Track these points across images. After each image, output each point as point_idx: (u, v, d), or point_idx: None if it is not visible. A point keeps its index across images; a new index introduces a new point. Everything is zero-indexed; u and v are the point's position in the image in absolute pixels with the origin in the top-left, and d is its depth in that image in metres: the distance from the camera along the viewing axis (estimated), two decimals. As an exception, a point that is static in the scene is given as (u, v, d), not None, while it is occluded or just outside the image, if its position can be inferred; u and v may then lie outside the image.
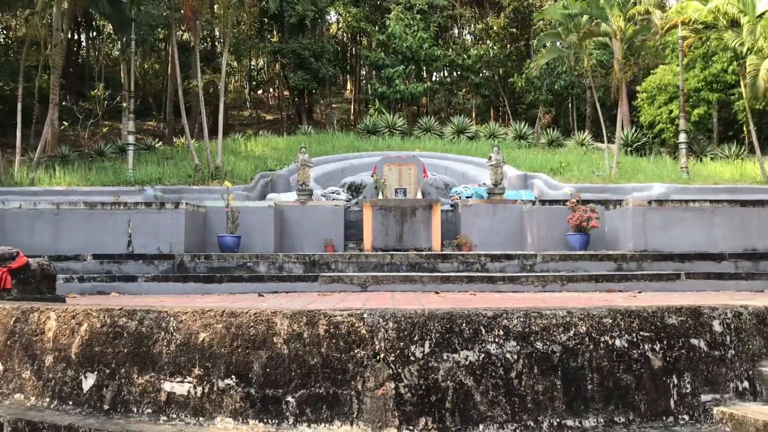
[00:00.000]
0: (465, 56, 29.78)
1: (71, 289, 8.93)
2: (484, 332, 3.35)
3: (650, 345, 3.44)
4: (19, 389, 3.88)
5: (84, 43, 36.72)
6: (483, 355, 3.32)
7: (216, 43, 33.19)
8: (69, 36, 23.94)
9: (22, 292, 5.20)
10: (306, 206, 13.24)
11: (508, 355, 3.32)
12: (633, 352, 3.41)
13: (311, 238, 12.93)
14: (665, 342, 3.45)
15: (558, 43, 19.17)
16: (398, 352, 3.32)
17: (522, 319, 3.39)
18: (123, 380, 3.57)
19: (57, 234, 11.03)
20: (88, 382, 3.65)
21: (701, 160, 19.35)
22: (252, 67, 43.45)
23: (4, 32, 30.95)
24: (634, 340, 3.44)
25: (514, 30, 32.87)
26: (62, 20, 22.53)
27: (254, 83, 44.55)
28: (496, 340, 3.34)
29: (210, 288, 9.43)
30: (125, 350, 3.63)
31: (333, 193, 15.15)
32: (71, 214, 11.14)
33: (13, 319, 4.07)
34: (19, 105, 17.32)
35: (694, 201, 11.53)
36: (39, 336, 3.92)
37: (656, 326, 3.47)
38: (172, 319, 3.62)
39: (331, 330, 3.41)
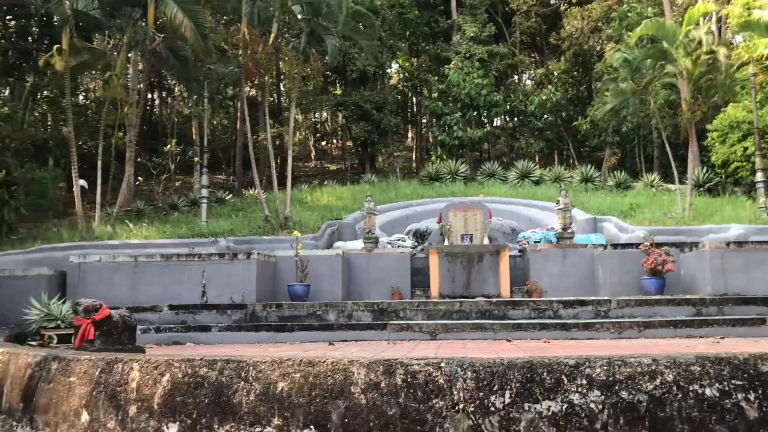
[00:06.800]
0: (527, 102, 29.74)
1: (148, 340, 9.17)
2: (566, 381, 3.26)
3: (744, 394, 3.26)
4: (105, 439, 3.97)
5: (156, 101, 38.51)
6: (566, 405, 3.22)
7: (281, 98, 34.21)
8: (143, 95, 25.13)
9: (104, 343, 5.36)
10: (372, 254, 13.31)
11: (592, 405, 3.21)
12: (725, 401, 3.25)
13: (378, 285, 12.95)
14: (760, 391, 3.28)
15: (623, 85, 18.90)
16: (478, 402, 3.25)
17: (605, 368, 3.28)
18: (204, 430, 3.61)
19: (134, 286, 11.41)
20: None
21: (780, 199, 18.56)
22: (316, 119, 44.51)
23: (84, 94, 32.82)
24: (726, 389, 3.27)
25: (575, 74, 32.74)
26: (137, 81, 23.76)
27: (318, 135, 45.57)
28: (579, 389, 3.24)
29: (281, 337, 9.53)
30: (206, 400, 3.68)
31: (399, 240, 15.19)
32: (148, 266, 11.52)
33: (98, 369, 4.18)
34: (99, 162, 18.13)
35: (776, 242, 11.04)
36: (123, 386, 4.02)
37: (749, 374, 3.30)
38: (251, 368, 3.66)
39: (409, 379, 3.38)
